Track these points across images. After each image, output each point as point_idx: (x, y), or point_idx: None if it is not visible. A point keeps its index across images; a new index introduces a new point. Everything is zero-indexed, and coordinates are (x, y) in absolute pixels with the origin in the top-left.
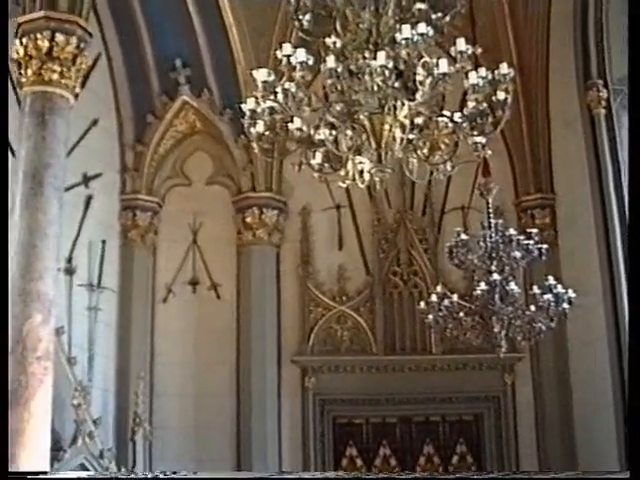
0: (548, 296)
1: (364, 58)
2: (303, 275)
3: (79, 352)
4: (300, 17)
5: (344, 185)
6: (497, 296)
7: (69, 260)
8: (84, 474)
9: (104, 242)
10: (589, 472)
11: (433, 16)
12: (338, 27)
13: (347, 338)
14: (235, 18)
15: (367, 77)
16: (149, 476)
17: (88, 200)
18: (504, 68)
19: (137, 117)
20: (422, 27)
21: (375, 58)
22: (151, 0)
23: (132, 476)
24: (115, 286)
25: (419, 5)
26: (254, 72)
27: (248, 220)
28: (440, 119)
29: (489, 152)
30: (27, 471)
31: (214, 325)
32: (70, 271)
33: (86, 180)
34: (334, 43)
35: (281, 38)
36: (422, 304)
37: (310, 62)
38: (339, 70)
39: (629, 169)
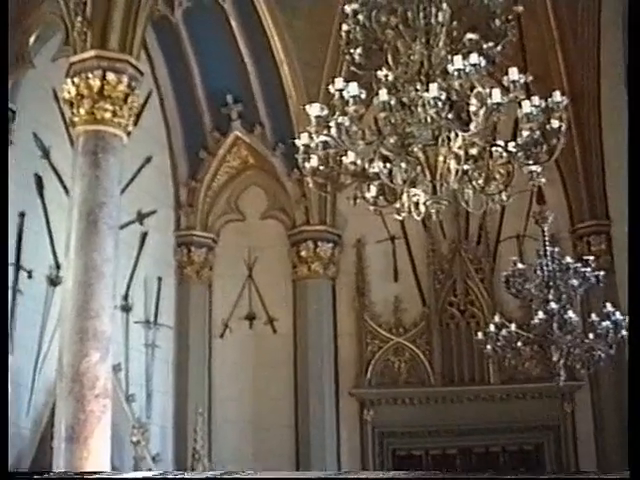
0: (606, 323)
1: (416, 90)
2: (359, 307)
3: (137, 389)
4: (351, 51)
5: (399, 218)
6: (555, 325)
7: (125, 297)
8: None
9: (160, 279)
10: (589, 472)
11: (484, 46)
12: (389, 60)
13: (405, 370)
14: (285, 52)
15: (420, 109)
16: (169, 476)
17: (143, 237)
18: (557, 96)
19: (190, 154)
20: (474, 57)
21: (427, 90)
22: (201, 36)
23: (145, 475)
24: (172, 322)
25: (470, 35)
26: (307, 107)
27: (303, 254)
28: (494, 149)
29: (543, 180)
30: (29, 471)
31: (271, 359)
32: (127, 308)
33: (141, 217)
34: (386, 76)
35: (331, 71)
36: (480, 334)
37: (363, 96)
38: (392, 103)
39: (629, 169)
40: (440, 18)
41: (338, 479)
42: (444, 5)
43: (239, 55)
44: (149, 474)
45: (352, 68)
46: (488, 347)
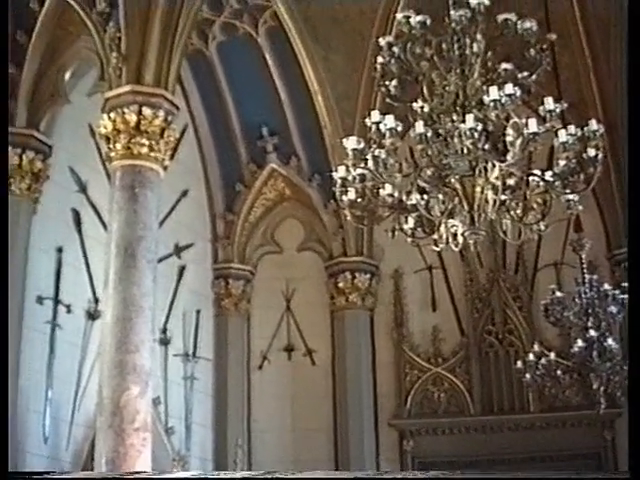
0: None
1: (452, 121)
2: (398, 338)
3: (176, 422)
4: (387, 83)
5: (438, 249)
6: (595, 352)
7: (164, 331)
8: (83, 474)
9: (198, 312)
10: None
11: (519, 75)
12: (425, 91)
13: (444, 400)
14: (319, 84)
15: (456, 140)
16: (207, 476)
17: (181, 270)
18: (593, 124)
19: (226, 186)
20: (509, 88)
21: (463, 121)
22: (236, 69)
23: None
24: (210, 355)
25: (505, 65)
26: (344, 140)
27: (341, 285)
28: (531, 179)
29: (580, 208)
30: (28, 471)
31: (310, 391)
32: (165, 341)
33: (178, 251)
34: (421, 107)
35: (366, 102)
36: (519, 363)
37: (399, 128)
38: (428, 135)
39: (629, 168)
40: (475, 49)
41: (374, 479)
42: (478, 36)
43: (274, 87)
44: (187, 474)
45: (387, 100)
46: (527, 376)
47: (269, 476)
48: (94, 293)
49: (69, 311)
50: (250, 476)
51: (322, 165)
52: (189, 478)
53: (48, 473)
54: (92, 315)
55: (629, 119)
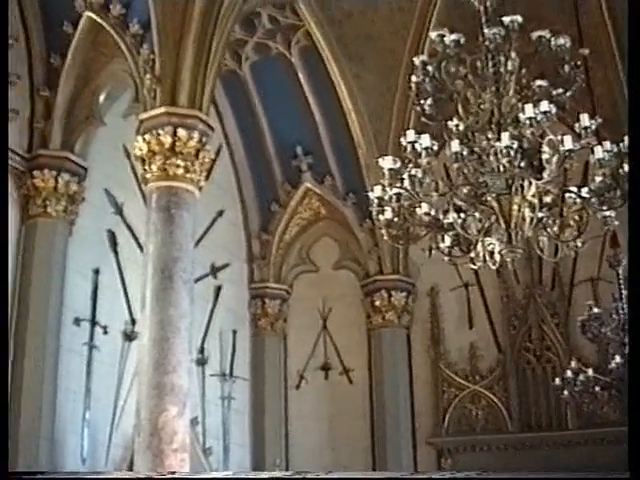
0: None
1: (488, 139)
2: (434, 356)
3: (214, 442)
4: (421, 102)
5: (475, 267)
6: None
7: (201, 351)
8: (82, 473)
9: (235, 331)
10: (589, 472)
11: (554, 92)
12: (460, 109)
13: (482, 417)
14: (353, 103)
15: (492, 158)
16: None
17: (217, 290)
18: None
19: (261, 206)
20: (544, 105)
21: (499, 139)
22: (269, 89)
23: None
24: (247, 375)
25: (539, 82)
26: (380, 160)
27: (377, 303)
28: (568, 196)
29: (617, 223)
30: (26, 471)
31: (347, 410)
32: (202, 362)
33: (214, 271)
34: (457, 126)
35: (399, 121)
36: (557, 380)
37: (435, 147)
38: (464, 153)
39: (629, 168)
40: (509, 66)
41: (406, 479)
42: (512, 53)
43: (307, 107)
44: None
45: (422, 119)
46: (565, 392)
47: (299, 476)
48: (131, 314)
49: (106, 332)
50: (281, 476)
51: (357, 184)
52: (217, 478)
53: (44, 473)
54: (129, 336)
55: (629, 119)
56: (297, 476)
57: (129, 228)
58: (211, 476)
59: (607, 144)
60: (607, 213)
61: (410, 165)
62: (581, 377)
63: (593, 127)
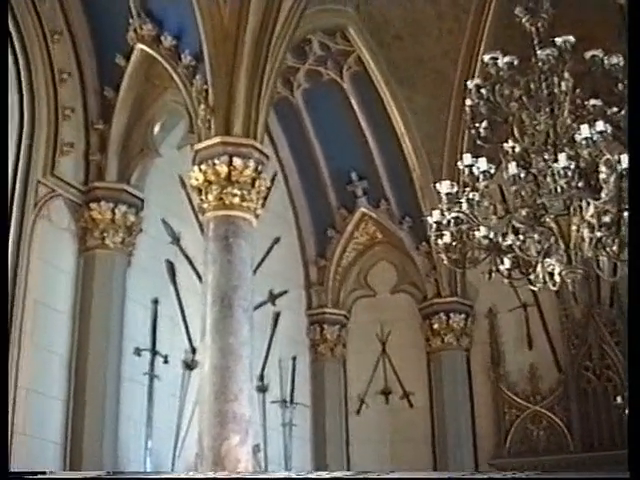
0: None
1: (545, 161)
2: (495, 377)
3: (276, 469)
4: (476, 125)
5: (535, 288)
6: None
7: (261, 378)
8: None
9: (294, 358)
10: (589, 472)
11: (608, 111)
12: (515, 132)
13: (543, 438)
14: (406, 126)
15: (549, 179)
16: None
17: (276, 317)
18: None
19: (318, 232)
20: (600, 125)
21: (556, 160)
22: (321, 115)
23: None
24: (307, 401)
25: (593, 102)
26: (437, 185)
27: (435, 326)
28: (626, 214)
29: None
30: (26, 471)
31: (409, 434)
32: (263, 389)
33: (273, 298)
34: (513, 148)
35: (453, 143)
36: (618, 399)
37: (492, 171)
38: (522, 176)
39: (629, 169)
40: (563, 87)
41: (468, 479)
42: (566, 74)
43: (360, 132)
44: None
45: (478, 142)
46: (627, 411)
47: (361, 476)
48: (191, 343)
49: (166, 362)
50: (343, 476)
51: (412, 207)
52: (281, 478)
53: (44, 473)
54: (189, 365)
55: (629, 118)
56: (359, 476)
57: (187, 258)
58: (275, 476)
59: None
60: None
61: (467, 189)
62: None
63: None
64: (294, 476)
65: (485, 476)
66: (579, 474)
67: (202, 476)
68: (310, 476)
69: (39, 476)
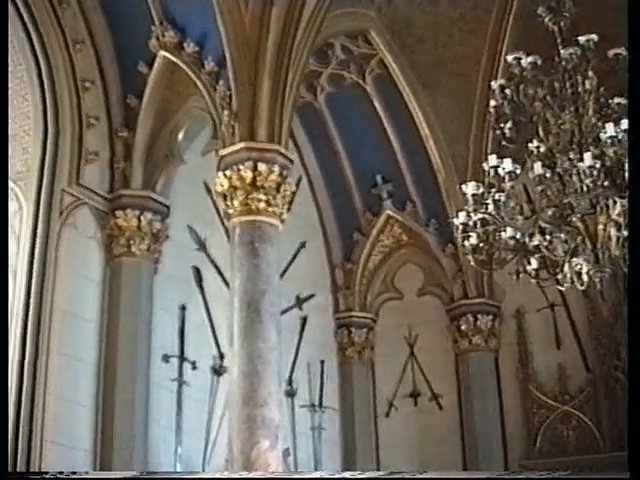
0: None
1: (570, 160)
2: (523, 378)
3: (306, 473)
4: (501, 125)
5: (562, 288)
6: None
7: (289, 382)
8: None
9: (322, 362)
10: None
11: None
12: (540, 131)
13: (573, 437)
14: (430, 128)
15: (575, 179)
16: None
17: (303, 321)
18: None
19: (343, 236)
20: (625, 123)
21: (581, 159)
22: (345, 119)
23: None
24: (336, 404)
25: (618, 100)
26: (463, 186)
27: (463, 328)
28: None
29: None
30: (27, 471)
31: (438, 436)
32: (291, 393)
33: (300, 302)
34: (537, 148)
35: (478, 144)
36: None
37: (518, 171)
38: (547, 176)
39: (629, 171)
40: (587, 85)
41: (506, 479)
42: (590, 72)
43: (384, 134)
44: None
45: (503, 143)
46: None
47: (395, 476)
48: (219, 349)
49: (195, 368)
50: (377, 476)
51: (438, 209)
52: (316, 478)
53: (47, 473)
54: (217, 371)
55: (629, 117)
56: (393, 476)
57: (213, 263)
58: (310, 476)
59: None
60: None
61: (493, 190)
62: None
63: None
64: (328, 476)
65: (522, 476)
66: (579, 474)
67: (236, 476)
68: (345, 475)
69: (39, 476)
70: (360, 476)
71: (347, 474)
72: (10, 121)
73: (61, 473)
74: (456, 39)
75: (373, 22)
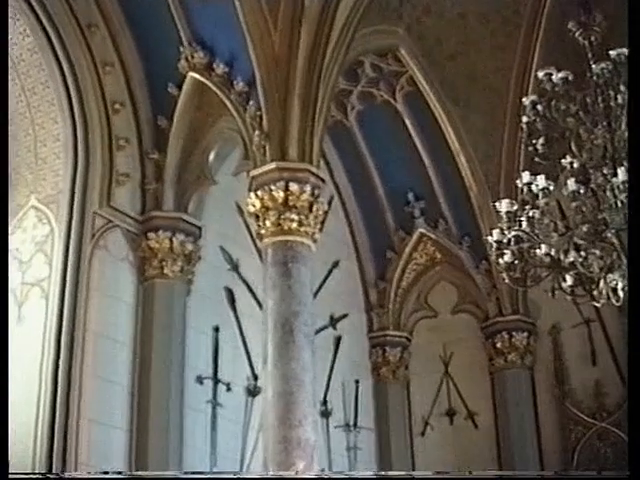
0: None
1: (603, 175)
2: (560, 394)
3: None
4: (533, 142)
5: (598, 305)
6: None
7: (324, 402)
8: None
9: (357, 381)
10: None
11: None
12: (573, 147)
13: (611, 454)
14: (461, 145)
15: (609, 194)
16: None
17: (337, 341)
18: None
19: (376, 255)
20: None
21: (615, 174)
22: (376, 137)
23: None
24: (371, 424)
25: None
26: (496, 204)
27: (498, 345)
28: None
29: None
30: (27, 471)
31: (474, 455)
32: (326, 413)
33: (333, 322)
34: (571, 163)
35: (509, 160)
36: None
37: (551, 188)
38: (581, 191)
39: (629, 171)
40: (619, 100)
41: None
42: (622, 87)
43: (416, 152)
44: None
45: (536, 159)
46: None
47: (441, 476)
48: (252, 370)
49: (229, 389)
50: (423, 475)
51: (471, 226)
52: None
53: (49, 473)
54: (252, 392)
55: (629, 119)
56: (438, 476)
57: (246, 284)
58: (311, 475)
59: None
60: None
61: (527, 207)
62: None
63: None
64: (371, 475)
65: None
66: (579, 473)
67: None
68: (390, 473)
69: (41, 476)
70: (405, 475)
71: (392, 472)
72: (40, 144)
73: (62, 472)
74: (486, 55)
75: (402, 39)
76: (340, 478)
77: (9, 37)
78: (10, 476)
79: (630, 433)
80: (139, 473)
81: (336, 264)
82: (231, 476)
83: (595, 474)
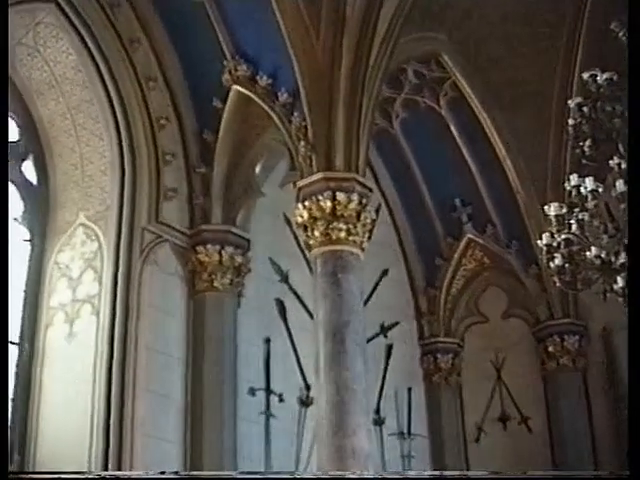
0: None
1: None
2: (613, 397)
3: None
4: (580, 144)
5: None
6: None
7: (377, 411)
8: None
9: (409, 389)
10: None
11: None
12: (620, 147)
13: None
14: (506, 149)
15: None
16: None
17: (389, 349)
18: None
19: (425, 262)
20: None
21: None
22: (422, 144)
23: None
24: (425, 432)
25: None
26: (545, 208)
27: (550, 349)
28: None
29: None
30: (28, 471)
31: (529, 460)
32: (379, 422)
33: (384, 330)
34: (618, 165)
35: (556, 162)
36: None
37: (600, 189)
38: None
39: (629, 171)
40: None
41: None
42: None
43: (461, 157)
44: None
45: (583, 161)
46: None
47: (494, 476)
48: (305, 380)
49: (282, 400)
50: (477, 475)
51: (519, 230)
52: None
53: (48, 473)
54: (304, 402)
55: (629, 118)
56: (492, 476)
57: (296, 295)
58: (320, 476)
59: None
60: None
61: (576, 209)
62: None
63: None
64: (427, 475)
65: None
66: (578, 473)
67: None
68: (445, 473)
69: (44, 475)
70: (458, 475)
71: (447, 472)
72: (86, 161)
73: (63, 472)
74: (529, 58)
75: (444, 45)
76: (396, 478)
77: (54, 56)
78: None
79: (630, 433)
80: (195, 473)
81: (385, 272)
82: (287, 476)
83: (595, 474)
